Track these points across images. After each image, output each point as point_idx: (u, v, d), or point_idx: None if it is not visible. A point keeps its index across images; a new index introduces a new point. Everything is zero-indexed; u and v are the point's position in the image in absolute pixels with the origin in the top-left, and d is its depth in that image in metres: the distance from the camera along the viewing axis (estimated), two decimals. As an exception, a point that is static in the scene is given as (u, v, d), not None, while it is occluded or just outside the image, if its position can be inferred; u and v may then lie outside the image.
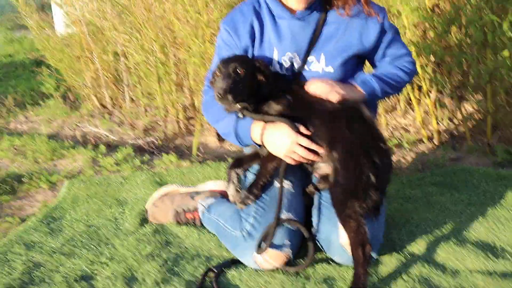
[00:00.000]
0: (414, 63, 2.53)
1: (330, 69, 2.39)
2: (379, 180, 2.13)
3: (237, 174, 2.50)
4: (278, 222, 2.22)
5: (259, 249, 2.20)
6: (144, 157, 4.02)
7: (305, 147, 2.20)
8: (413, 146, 4.03)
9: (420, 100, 4.25)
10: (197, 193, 2.86)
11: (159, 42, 4.55)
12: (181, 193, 2.89)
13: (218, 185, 2.94)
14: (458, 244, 2.37)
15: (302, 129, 2.22)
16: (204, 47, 4.14)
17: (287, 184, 2.38)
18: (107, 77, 5.65)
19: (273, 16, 2.41)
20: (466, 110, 4.32)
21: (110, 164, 3.83)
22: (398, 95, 2.61)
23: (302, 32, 2.38)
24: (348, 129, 2.19)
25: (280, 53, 2.40)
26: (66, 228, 2.82)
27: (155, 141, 4.50)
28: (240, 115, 2.32)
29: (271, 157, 2.32)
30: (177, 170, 3.52)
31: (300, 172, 2.45)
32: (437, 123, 4.09)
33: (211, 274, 2.27)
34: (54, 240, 2.68)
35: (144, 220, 2.86)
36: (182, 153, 4.26)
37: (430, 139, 4.16)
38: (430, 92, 4.07)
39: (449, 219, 2.64)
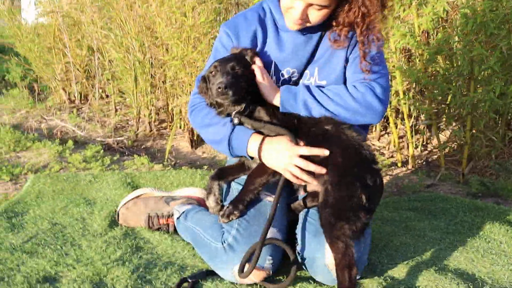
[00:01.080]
0: (373, 91, 2.22)
1: (323, 82, 2.33)
2: (370, 202, 2.09)
3: (219, 185, 2.40)
4: (264, 243, 2.10)
5: (242, 273, 2.08)
6: (114, 157, 3.86)
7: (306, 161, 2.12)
8: (388, 169, 4.02)
9: (396, 124, 4.27)
10: (173, 198, 2.74)
11: (139, 41, 4.41)
12: (156, 197, 2.76)
13: (195, 192, 2.83)
14: (438, 272, 2.32)
15: (302, 144, 2.15)
16: (187, 51, 4.03)
17: (271, 198, 2.29)
18: (78, 71, 5.46)
19: (276, 27, 2.34)
20: (441, 138, 4.35)
21: (78, 161, 3.66)
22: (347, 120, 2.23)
23: (304, 47, 2.32)
24: (340, 150, 2.13)
25: (280, 66, 2.33)
26: (29, 225, 2.64)
27: (125, 141, 4.34)
28: (236, 121, 2.22)
29: (260, 171, 2.22)
30: (150, 173, 3.38)
31: (285, 187, 2.36)
32: (414, 148, 4.10)
33: (185, 285, 2.15)
34: (15, 236, 2.50)
35: (113, 222, 2.71)
36: (153, 156, 4.11)
37: (404, 163, 4.17)
38: (410, 117, 4.08)
39: (428, 245, 2.60)
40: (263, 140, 2.16)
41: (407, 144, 4.29)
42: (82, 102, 5.50)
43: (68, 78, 5.56)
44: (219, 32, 2.44)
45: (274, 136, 2.17)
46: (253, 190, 2.24)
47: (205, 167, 3.76)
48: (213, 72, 2.20)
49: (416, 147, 4.36)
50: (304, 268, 2.22)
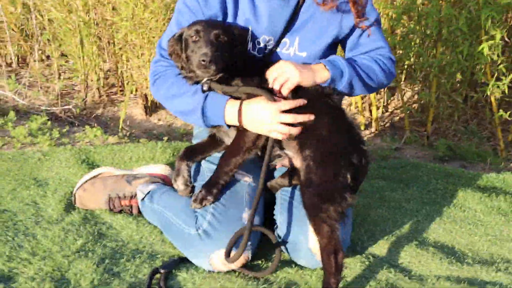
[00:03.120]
0: (393, 61, 2.24)
1: (302, 54, 2.16)
2: (354, 181, 1.96)
3: (188, 166, 2.20)
4: (251, 230, 1.93)
5: (229, 258, 1.92)
6: (63, 129, 3.54)
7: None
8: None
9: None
10: (135, 177, 2.53)
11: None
12: (116, 176, 2.53)
13: (158, 168, 2.62)
14: (419, 246, 2.26)
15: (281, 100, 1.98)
16: (138, 10, 3.71)
17: (248, 178, 2.13)
18: (14, 31, 4.98)
19: None
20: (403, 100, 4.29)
21: (23, 135, 3.32)
22: (368, 94, 2.20)
23: (281, 12, 2.11)
24: (326, 123, 1.98)
25: (255, 33, 2.12)
26: (-27, 213, 2.36)
27: (73, 109, 4.02)
28: (205, 87, 2.01)
29: (235, 150, 2.04)
30: (106, 148, 3.10)
31: (260, 165, 2.20)
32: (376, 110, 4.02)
33: (158, 276, 1.97)
34: (-42, 228, 2.23)
35: (70, 206, 2.48)
36: (106, 125, 3.83)
37: (367, 126, 4.09)
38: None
39: (406, 218, 2.54)
40: (240, 104, 1.97)
41: (369, 106, 4.21)
42: (20, 65, 5.05)
43: (3, 39, 5.07)
44: None
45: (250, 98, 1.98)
46: (228, 172, 2.05)
47: (165, 138, 3.52)
48: (195, 37, 1.96)
49: (377, 108, 4.29)
50: (285, 252, 2.09)
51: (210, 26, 1.97)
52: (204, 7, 2.11)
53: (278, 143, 2.05)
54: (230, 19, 2.13)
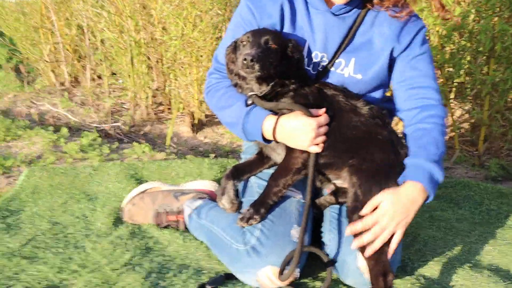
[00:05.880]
0: (442, 109, 2.05)
1: (358, 76, 2.11)
2: None
3: (234, 185, 2.20)
4: (303, 251, 1.91)
5: (282, 275, 1.89)
6: (113, 145, 3.62)
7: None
8: (400, 152, 3.84)
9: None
10: (182, 192, 2.55)
11: (135, 20, 4.14)
12: (164, 192, 2.56)
13: (206, 184, 2.64)
14: (473, 268, 2.17)
15: (317, 112, 1.95)
16: (187, 29, 3.78)
17: (297, 194, 2.11)
18: (68, 52, 5.18)
19: (306, 4, 2.11)
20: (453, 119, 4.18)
21: (75, 151, 3.42)
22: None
23: (336, 30, 2.09)
24: (374, 149, 1.94)
25: (310, 47, 2.11)
26: (26, 225, 2.41)
27: (122, 127, 4.11)
28: (249, 101, 2.02)
29: (284, 170, 2.01)
30: (154, 164, 3.15)
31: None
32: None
33: (204, 291, 1.97)
34: (12, 239, 2.28)
35: (118, 220, 2.51)
36: (153, 142, 3.89)
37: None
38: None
39: (457, 239, 2.45)
40: (277, 119, 1.94)
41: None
42: (72, 84, 5.23)
43: (57, 59, 5.28)
44: (240, 4, 2.19)
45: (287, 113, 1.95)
46: (277, 193, 2.02)
47: (212, 155, 3.55)
48: (244, 42, 1.97)
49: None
50: (334, 270, 2.04)
51: (261, 32, 1.97)
52: (261, 19, 2.10)
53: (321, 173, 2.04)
54: (287, 28, 2.11)
